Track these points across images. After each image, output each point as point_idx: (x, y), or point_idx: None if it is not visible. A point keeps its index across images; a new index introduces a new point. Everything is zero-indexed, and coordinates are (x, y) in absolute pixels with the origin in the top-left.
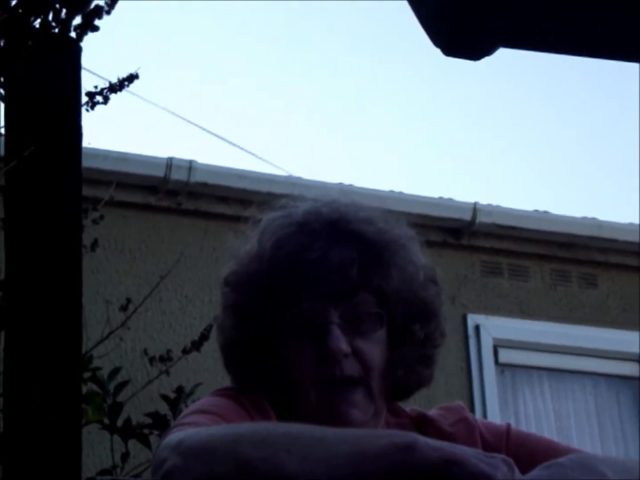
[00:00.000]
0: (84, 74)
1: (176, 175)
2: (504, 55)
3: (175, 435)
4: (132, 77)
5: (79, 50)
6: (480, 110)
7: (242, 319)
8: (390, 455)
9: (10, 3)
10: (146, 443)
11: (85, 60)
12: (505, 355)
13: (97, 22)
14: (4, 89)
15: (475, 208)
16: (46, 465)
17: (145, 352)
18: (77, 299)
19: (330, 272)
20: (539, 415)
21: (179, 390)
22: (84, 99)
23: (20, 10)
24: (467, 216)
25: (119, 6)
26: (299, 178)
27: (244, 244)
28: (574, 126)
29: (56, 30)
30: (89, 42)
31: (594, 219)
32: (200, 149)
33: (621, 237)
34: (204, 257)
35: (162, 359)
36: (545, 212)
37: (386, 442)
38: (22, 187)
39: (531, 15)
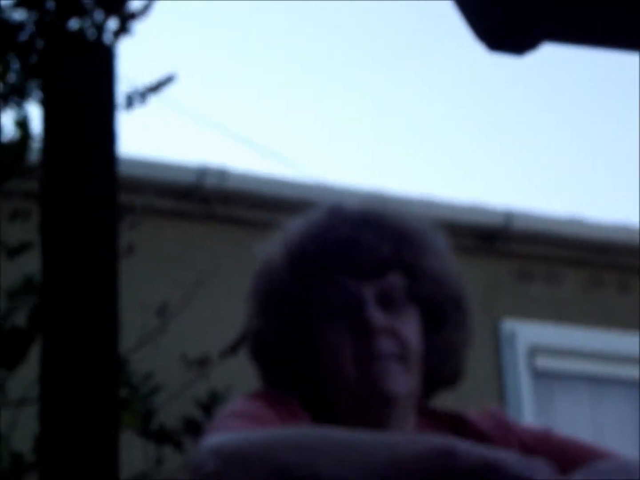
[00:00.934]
0: (118, 79)
1: (210, 182)
2: (536, 56)
3: (213, 440)
4: (169, 79)
5: (114, 56)
6: (509, 113)
7: (270, 305)
8: (429, 460)
9: (45, 5)
10: (180, 448)
11: (120, 65)
12: (541, 362)
13: (131, 27)
14: (43, 92)
15: (509, 213)
16: (83, 470)
17: (184, 356)
18: (113, 304)
19: (362, 249)
20: (574, 422)
21: (213, 395)
22: (122, 99)
23: (56, 14)
24: (501, 221)
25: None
26: (331, 184)
27: (271, 243)
28: (608, 129)
29: (92, 34)
30: (124, 48)
31: (628, 224)
32: (230, 155)
33: None
34: (236, 262)
35: (201, 363)
36: (579, 217)
37: (425, 447)
38: (58, 194)
39: (578, 9)
